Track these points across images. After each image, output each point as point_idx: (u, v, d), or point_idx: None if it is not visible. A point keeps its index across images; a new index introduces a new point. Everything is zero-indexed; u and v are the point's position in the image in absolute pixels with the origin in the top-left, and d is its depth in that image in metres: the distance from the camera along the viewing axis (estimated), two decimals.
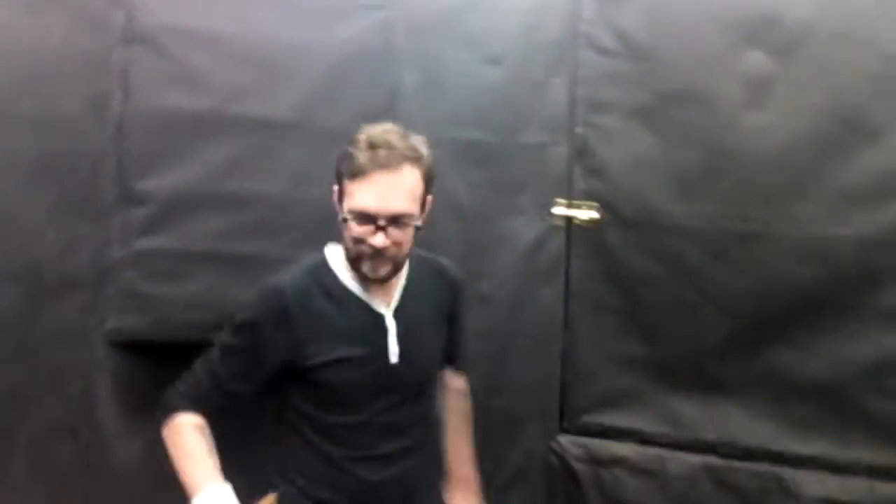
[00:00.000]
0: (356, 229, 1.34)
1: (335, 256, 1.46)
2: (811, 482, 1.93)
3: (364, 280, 1.42)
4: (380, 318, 1.44)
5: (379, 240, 1.33)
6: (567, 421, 2.18)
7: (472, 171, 2.14)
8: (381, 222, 1.33)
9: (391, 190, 1.32)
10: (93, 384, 1.84)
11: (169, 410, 1.42)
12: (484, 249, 2.17)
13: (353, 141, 1.36)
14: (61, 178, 1.76)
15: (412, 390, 1.48)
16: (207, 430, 1.41)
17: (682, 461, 2.04)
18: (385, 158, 1.32)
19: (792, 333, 1.96)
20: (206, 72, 1.89)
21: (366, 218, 1.33)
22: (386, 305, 1.46)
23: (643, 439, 2.10)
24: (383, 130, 1.36)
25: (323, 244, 1.51)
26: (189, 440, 1.38)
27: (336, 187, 1.40)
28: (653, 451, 2.08)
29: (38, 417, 1.74)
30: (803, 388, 1.95)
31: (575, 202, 2.11)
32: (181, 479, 1.35)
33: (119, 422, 1.86)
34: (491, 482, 2.19)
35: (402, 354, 1.45)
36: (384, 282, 1.43)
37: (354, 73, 2.04)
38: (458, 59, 2.12)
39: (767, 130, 1.93)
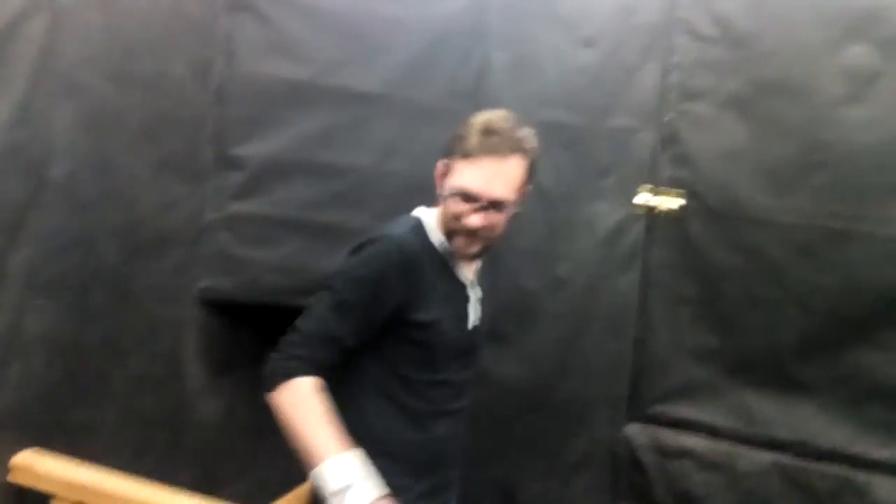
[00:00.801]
0: (456, 207, 1.40)
1: (430, 221, 1.49)
2: (885, 487, 1.89)
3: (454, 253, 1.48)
4: (463, 288, 1.50)
5: (475, 220, 1.39)
6: (636, 410, 2.17)
7: (558, 153, 2.13)
8: (481, 204, 1.39)
9: (496, 176, 1.38)
10: (181, 340, 1.90)
11: (285, 374, 1.35)
12: (564, 232, 2.17)
13: (467, 123, 1.41)
14: (164, 140, 1.81)
15: (475, 356, 1.58)
16: (328, 393, 1.37)
17: (753, 458, 2.02)
18: (497, 145, 1.37)
19: (875, 335, 1.92)
20: (305, 42, 1.93)
21: (467, 198, 1.39)
22: (468, 276, 1.52)
23: (714, 433, 2.08)
24: (499, 117, 1.42)
25: None
26: (312, 404, 1.33)
27: (442, 163, 1.45)
28: (723, 446, 2.06)
29: (129, 369, 1.80)
30: (884, 391, 1.91)
31: (659, 190, 2.10)
32: (301, 445, 1.29)
33: (204, 378, 1.92)
34: (555, 466, 2.21)
35: (474, 322, 1.53)
36: (473, 259, 1.50)
37: (446, 49, 2.06)
38: (549, 40, 2.12)
39: (866, 126, 1.88)
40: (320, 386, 1.35)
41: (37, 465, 1.58)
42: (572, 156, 2.14)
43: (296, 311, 1.43)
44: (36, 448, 1.61)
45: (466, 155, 1.38)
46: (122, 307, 1.77)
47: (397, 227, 1.45)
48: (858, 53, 1.90)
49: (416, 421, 1.46)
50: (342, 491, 1.24)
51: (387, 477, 1.35)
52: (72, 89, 1.60)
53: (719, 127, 2.02)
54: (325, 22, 1.94)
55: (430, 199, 2.16)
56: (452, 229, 1.42)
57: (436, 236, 1.48)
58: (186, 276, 1.88)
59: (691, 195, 2.06)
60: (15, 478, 1.57)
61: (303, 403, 1.33)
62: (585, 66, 2.12)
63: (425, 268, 1.42)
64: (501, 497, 2.27)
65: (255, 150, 1.91)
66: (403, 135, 2.10)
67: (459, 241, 1.43)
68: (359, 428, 1.46)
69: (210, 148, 1.90)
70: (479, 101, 2.19)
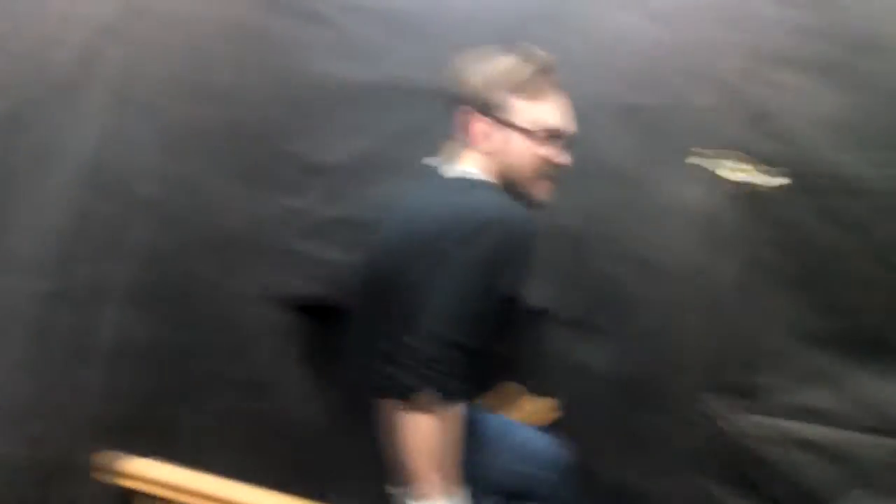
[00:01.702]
0: (543, 149, 1.35)
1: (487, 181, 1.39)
2: None
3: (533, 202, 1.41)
4: None
5: (566, 157, 1.38)
6: (746, 401, 2.05)
7: (641, 136, 2.06)
8: (564, 142, 1.38)
9: (568, 111, 1.41)
10: (276, 347, 1.92)
11: (450, 395, 1.20)
12: (651, 219, 2.09)
13: (521, 60, 1.38)
14: (247, 151, 1.85)
15: None
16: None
17: (879, 446, 1.87)
18: (558, 82, 1.40)
19: None
20: (379, 44, 1.95)
21: (556, 136, 1.36)
22: None
23: (834, 422, 1.93)
24: (545, 54, 1.42)
25: None
26: (458, 438, 1.23)
27: (478, 113, 1.36)
28: (845, 435, 1.91)
29: (228, 377, 1.83)
30: None
31: (755, 167, 1.99)
32: (422, 471, 1.18)
33: (299, 383, 1.93)
34: (666, 462, 2.10)
35: None
36: (539, 207, 1.42)
37: (520, 40, 2.02)
38: (624, 19, 2.05)
39: None
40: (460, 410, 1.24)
41: (142, 470, 1.60)
42: (657, 138, 2.06)
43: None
44: (129, 453, 1.63)
45: (539, 93, 1.35)
46: (217, 316, 1.81)
47: (494, 197, 1.31)
48: None
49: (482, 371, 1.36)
50: None
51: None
52: (153, 109, 1.66)
53: (814, 96, 1.90)
54: (398, 23, 1.96)
55: None
56: (536, 175, 1.36)
57: None
58: (277, 282, 1.90)
59: (789, 171, 1.94)
60: (122, 483, 1.59)
61: (452, 434, 1.21)
62: (663, 43, 2.04)
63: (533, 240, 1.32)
64: (612, 496, 2.17)
65: (337, 154, 1.93)
66: None
67: (542, 188, 1.38)
68: None
69: (290, 156, 1.92)
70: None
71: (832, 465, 1.91)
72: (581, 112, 2.11)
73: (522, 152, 1.35)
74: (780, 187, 1.95)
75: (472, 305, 1.20)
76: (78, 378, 1.54)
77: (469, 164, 1.39)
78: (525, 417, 2.16)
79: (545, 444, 1.59)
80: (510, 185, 1.37)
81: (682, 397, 2.09)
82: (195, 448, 1.73)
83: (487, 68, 1.38)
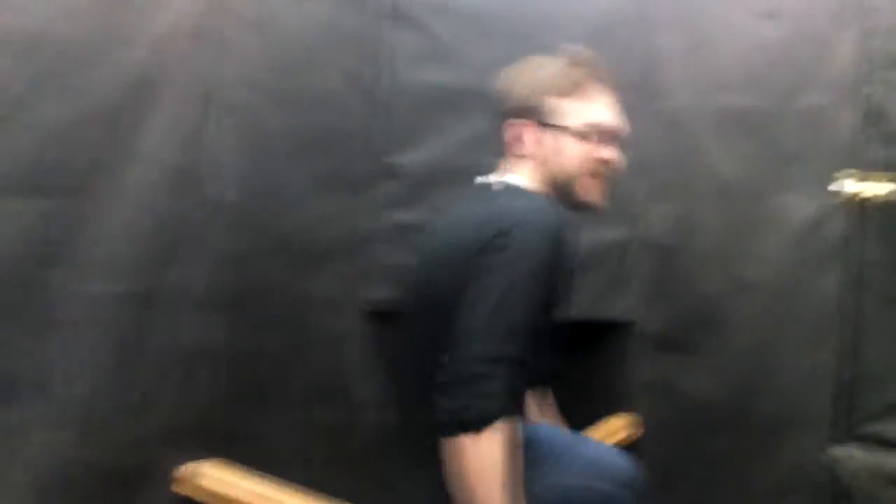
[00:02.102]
0: (594, 148, 1.31)
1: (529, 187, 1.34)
2: None
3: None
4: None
5: (619, 157, 1.33)
6: (845, 429, 1.89)
7: (741, 142, 1.93)
8: (612, 138, 1.33)
9: (617, 108, 1.35)
10: (347, 352, 1.89)
11: (501, 412, 1.08)
12: (751, 230, 1.95)
13: (566, 62, 1.34)
14: (324, 154, 1.81)
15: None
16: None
17: None
18: (608, 78, 1.34)
19: None
20: (463, 47, 1.89)
21: (607, 135, 1.32)
22: None
23: None
24: (588, 52, 1.36)
25: None
26: (517, 459, 1.15)
27: (520, 123, 1.34)
28: None
29: (297, 381, 1.80)
30: None
31: (865, 174, 1.82)
32: (486, 500, 1.08)
33: (371, 388, 1.90)
34: (749, 491, 1.96)
35: None
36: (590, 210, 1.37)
37: (609, 41, 1.92)
38: (726, 15, 1.93)
39: None
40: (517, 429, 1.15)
41: (204, 476, 1.60)
42: (758, 143, 1.92)
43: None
44: (204, 459, 1.64)
45: (572, 90, 1.30)
46: (290, 320, 1.77)
47: (529, 199, 1.25)
48: None
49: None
50: None
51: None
52: (234, 111, 1.64)
53: None
54: (483, 26, 1.89)
55: None
56: (588, 175, 1.31)
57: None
58: (350, 287, 1.87)
59: None
60: (183, 489, 1.59)
61: (509, 461, 1.10)
62: (768, 41, 1.90)
63: (566, 241, 1.23)
64: None
65: (413, 158, 1.88)
66: None
67: (594, 189, 1.33)
68: None
69: (369, 159, 1.89)
70: (649, 91, 2.05)
71: None
72: (678, 117, 2.02)
73: (574, 154, 1.30)
74: (892, 195, 1.78)
75: (508, 314, 1.11)
76: (160, 384, 1.55)
77: (515, 173, 1.35)
78: (605, 435, 2.07)
79: (618, 460, 1.51)
80: (564, 190, 1.32)
81: (771, 423, 1.95)
82: (260, 455, 1.71)
83: (532, 74, 1.34)
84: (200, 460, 1.63)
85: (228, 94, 1.63)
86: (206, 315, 1.60)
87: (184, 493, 1.61)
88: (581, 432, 2.04)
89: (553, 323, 1.28)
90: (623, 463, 1.53)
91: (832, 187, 1.86)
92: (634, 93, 2.03)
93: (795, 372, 1.93)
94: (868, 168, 1.82)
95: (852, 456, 1.86)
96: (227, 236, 1.64)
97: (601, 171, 1.32)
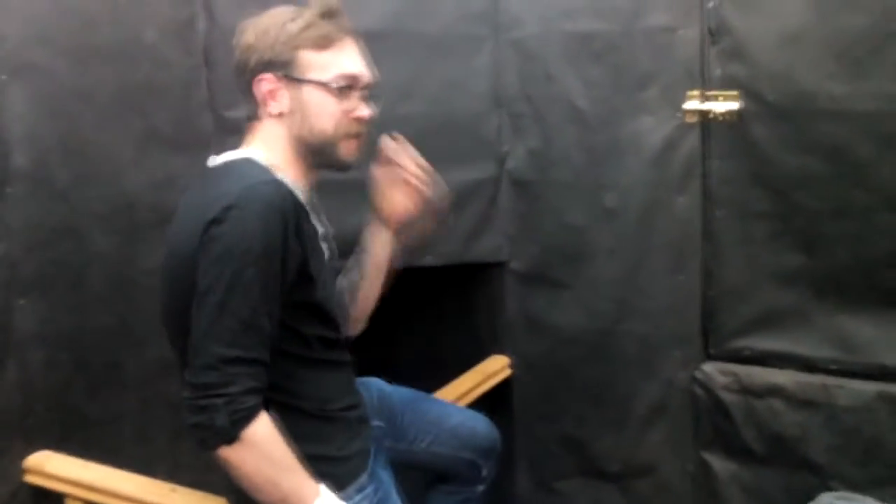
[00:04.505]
0: (342, 102, 1.23)
1: (265, 160, 1.22)
2: None
3: (311, 175, 1.28)
4: (317, 233, 1.26)
5: (369, 110, 1.26)
6: (713, 346, 1.92)
7: (589, 68, 1.89)
8: (365, 92, 1.26)
9: (365, 57, 1.28)
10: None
11: (245, 416, 1.06)
12: (606, 156, 1.93)
13: (301, 9, 1.23)
14: (145, 112, 1.67)
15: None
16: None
17: (854, 390, 1.74)
18: (349, 26, 1.25)
19: None
20: None
21: (355, 86, 1.24)
22: (319, 217, 1.30)
23: (806, 365, 1.80)
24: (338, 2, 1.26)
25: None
26: (283, 448, 1.10)
27: (272, 75, 1.21)
28: (817, 379, 1.78)
29: (144, 355, 1.70)
30: None
31: (711, 93, 1.81)
32: (277, 497, 1.09)
33: None
34: (627, 416, 2.00)
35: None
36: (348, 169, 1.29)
37: None
38: None
39: None
40: (274, 418, 1.11)
41: (49, 465, 1.55)
42: (606, 68, 1.89)
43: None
44: (51, 447, 1.58)
45: (328, 42, 1.21)
46: (125, 294, 1.66)
47: (248, 177, 1.14)
48: None
49: (343, 371, 1.31)
50: None
51: (330, 444, 1.22)
52: (22, 71, 1.50)
53: (773, 7, 1.71)
54: None
55: (450, 142, 1.98)
56: (340, 133, 1.23)
57: (288, 178, 1.21)
58: None
59: (749, 93, 1.76)
60: (31, 479, 1.54)
61: (275, 451, 1.09)
62: None
63: (301, 214, 1.17)
64: (571, 453, 2.08)
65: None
66: (415, 73, 1.93)
67: (352, 146, 1.25)
68: (312, 403, 1.25)
69: (205, 114, 1.76)
70: (496, 20, 1.97)
71: (805, 412, 1.79)
72: (528, 47, 1.96)
73: (321, 109, 1.21)
74: (739, 112, 1.77)
75: (234, 312, 1.06)
76: None
77: (255, 145, 1.25)
78: (483, 377, 2.06)
79: (473, 426, 1.59)
80: (314, 150, 1.24)
81: (641, 348, 1.97)
82: (112, 437, 1.65)
83: (265, 25, 1.22)
84: (45, 450, 1.57)
85: (14, 54, 1.49)
86: (23, 297, 1.50)
87: (31, 484, 1.55)
88: (459, 375, 2.04)
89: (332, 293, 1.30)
90: (479, 428, 1.61)
91: (683, 107, 1.84)
92: (482, 23, 1.97)
93: (662, 295, 1.95)
94: (714, 86, 1.80)
95: (724, 371, 1.90)
96: (32, 211, 1.52)
97: (352, 127, 1.24)
